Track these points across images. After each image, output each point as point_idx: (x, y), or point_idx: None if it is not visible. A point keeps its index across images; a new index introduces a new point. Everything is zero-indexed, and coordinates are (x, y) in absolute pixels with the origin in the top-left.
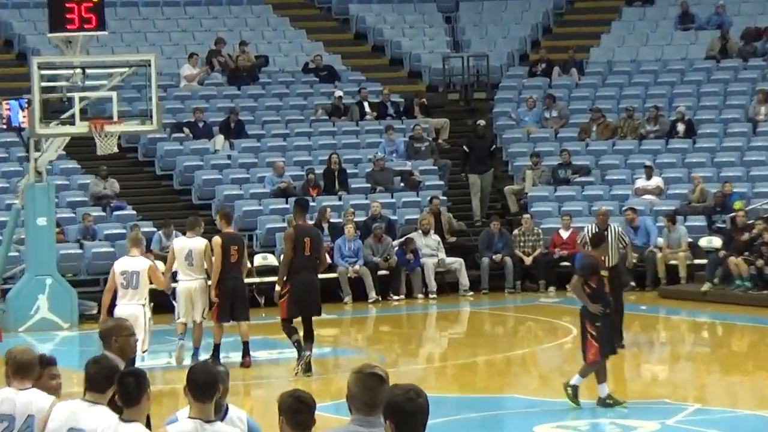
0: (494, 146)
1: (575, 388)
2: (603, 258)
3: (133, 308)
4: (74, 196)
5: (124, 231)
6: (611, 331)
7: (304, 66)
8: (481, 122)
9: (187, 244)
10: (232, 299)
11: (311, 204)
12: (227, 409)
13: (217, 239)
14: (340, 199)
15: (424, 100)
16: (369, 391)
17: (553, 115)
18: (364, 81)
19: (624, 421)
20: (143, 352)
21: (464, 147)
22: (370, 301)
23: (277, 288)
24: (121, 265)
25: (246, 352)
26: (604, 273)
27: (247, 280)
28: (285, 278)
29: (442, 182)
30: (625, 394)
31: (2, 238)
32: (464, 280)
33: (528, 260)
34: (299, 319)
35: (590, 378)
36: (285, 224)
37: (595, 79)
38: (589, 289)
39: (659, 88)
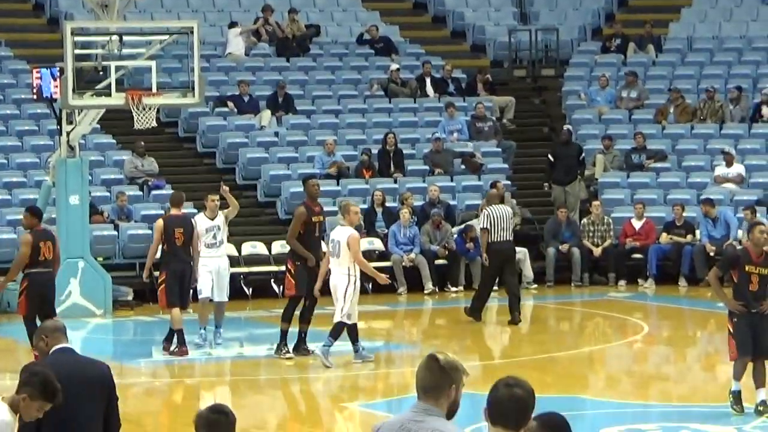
0: (582, 154)
1: (735, 393)
2: (760, 251)
3: (337, 278)
4: (109, 174)
5: (161, 212)
6: (751, 332)
7: (359, 37)
8: (568, 127)
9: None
10: (180, 284)
11: (365, 186)
12: None
13: (159, 222)
14: (395, 182)
15: (488, 76)
16: (423, 371)
17: (632, 96)
18: (423, 54)
19: (699, 425)
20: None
21: (549, 156)
22: (426, 292)
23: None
24: (331, 234)
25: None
26: (750, 268)
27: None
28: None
29: (506, 165)
30: (703, 397)
31: None
32: (528, 272)
33: (597, 251)
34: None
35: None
36: (336, 208)
37: (673, 57)
38: (732, 284)
39: (743, 68)
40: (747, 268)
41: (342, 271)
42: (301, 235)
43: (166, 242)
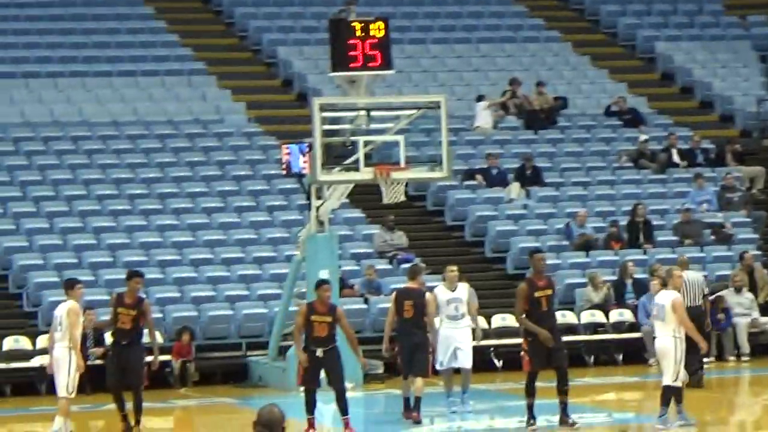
0: None
1: None
2: None
3: (664, 341)
4: (358, 248)
5: None
6: None
7: (606, 108)
8: None
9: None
10: (413, 354)
11: (614, 258)
12: None
13: (393, 294)
14: (644, 252)
15: (738, 146)
16: None
17: None
18: (672, 125)
19: None
20: None
21: None
22: None
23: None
24: (655, 298)
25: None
26: None
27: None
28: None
29: (756, 236)
30: None
31: (282, 292)
32: None
33: None
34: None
35: None
36: (585, 279)
37: None
38: None
39: None
40: None
41: (667, 334)
42: (528, 311)
43: (397, 314)
